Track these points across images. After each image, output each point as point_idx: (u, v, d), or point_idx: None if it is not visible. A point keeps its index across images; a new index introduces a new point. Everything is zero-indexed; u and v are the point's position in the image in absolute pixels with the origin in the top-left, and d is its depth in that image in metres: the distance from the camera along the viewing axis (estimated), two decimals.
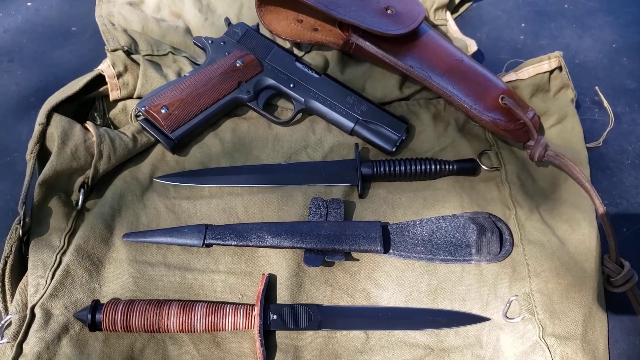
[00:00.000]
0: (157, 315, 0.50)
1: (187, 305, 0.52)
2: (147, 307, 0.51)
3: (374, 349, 0.53)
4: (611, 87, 0.73)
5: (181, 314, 0.51)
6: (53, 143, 0.57)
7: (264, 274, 0.55)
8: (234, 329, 0.51)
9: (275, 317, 0.53)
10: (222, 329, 0.52)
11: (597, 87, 0.73)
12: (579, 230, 0.59)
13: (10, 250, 0.53)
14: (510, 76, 0.67)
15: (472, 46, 0.72)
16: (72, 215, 0.57)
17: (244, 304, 0.53)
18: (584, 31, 0.79)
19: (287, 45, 0.69)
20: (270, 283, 0.55)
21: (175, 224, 0.58)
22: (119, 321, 0.50)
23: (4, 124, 0.67)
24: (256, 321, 0.51)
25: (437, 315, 0.55)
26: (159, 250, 0.56)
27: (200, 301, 0.53)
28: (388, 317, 0.54)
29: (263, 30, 0.69)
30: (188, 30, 0.71)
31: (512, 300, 0.55)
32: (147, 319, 0.50)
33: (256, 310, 0.51)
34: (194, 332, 0.51)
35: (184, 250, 0.56)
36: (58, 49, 0.74)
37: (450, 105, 0.67)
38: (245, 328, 0.52)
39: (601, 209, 0.57)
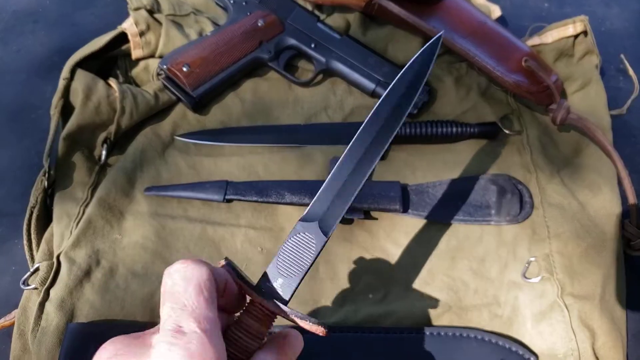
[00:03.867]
0: None
1: None
2: None
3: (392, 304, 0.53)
4: (637, 55, 0.72)
5: None
6: (77, 98, 0.58)
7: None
8: None
9: None
10: None
11: (622, 55, 0.71)
12: (600, 195, 0.58)
13: (36, 201, 0.54)
14: (534, 40, 0.66)
15: (496, 12, 0.71)
16: (95, 170, 0.58)
17: None
18: None
19: (309, 7, 0.69)
20: None
21: (196, 180, 0.58)
22: None
23: (29, 83, 0.68)
24: None
25: None
26: (180, 204, 0.57)
27: None
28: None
29: None
30: None
31: (531, 261, 0.55)
32: None
33: None
34: None
35: (205, 205, 0.57)
36: (80, 10, 0.74)
37: (472, 68, 0.67)
38: None
39: (623, 172, 0.56)
